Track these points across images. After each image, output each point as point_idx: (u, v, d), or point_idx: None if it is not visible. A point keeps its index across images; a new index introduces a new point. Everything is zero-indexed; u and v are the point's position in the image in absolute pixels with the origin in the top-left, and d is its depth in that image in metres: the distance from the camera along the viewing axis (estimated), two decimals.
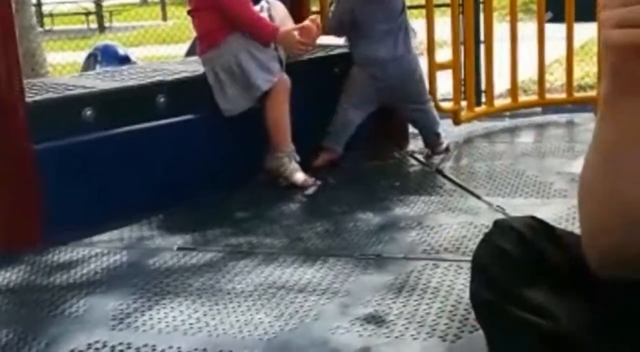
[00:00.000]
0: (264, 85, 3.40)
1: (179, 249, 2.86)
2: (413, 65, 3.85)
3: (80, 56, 12.37)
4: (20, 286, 2.61)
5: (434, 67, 4.22)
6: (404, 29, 3.82)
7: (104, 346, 2.13)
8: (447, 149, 3.99)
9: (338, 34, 3.95)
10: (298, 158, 3.53)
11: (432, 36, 4.22)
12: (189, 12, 3.52)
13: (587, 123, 4.45)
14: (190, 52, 4.31)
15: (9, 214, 2.87)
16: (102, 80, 3.45)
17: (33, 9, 10.24)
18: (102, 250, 2.87)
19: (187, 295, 2.45)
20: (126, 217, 3.10)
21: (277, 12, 3.50)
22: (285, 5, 3.65)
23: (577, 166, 3.66)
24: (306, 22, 3.51)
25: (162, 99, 3.32)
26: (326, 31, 3.82)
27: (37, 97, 3.01)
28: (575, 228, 2.93)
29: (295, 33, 3.39)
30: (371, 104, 3.81)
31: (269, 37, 3.39)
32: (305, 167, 3.57)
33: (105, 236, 3.00)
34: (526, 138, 4.46)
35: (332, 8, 3.97)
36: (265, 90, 3.41)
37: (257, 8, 3.49)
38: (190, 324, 2.24)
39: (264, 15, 3.47)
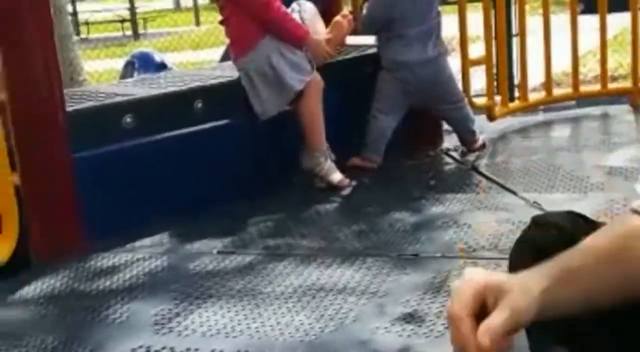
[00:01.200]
0: (297, 85, 3.44)
1: (219, 252, 2.90)
2: (442, 67, 3.83)
3: (117, 63, 12.53)
4: (64, 292, 2.67)
5: (467, 63, 4.21)
6: (437, 31, 3.81)
7: (148, 350, 2.18)
8: (483, 146, 3.98)
9: (370, 32, 3.90)
10: (334, 157, 3.55)
11: (465, 32, 4.21)
12: (220, 22, 3.57)
13: (621, 115, 4.41)
14: (224, 58, 4.36)
15: (51, 222, 2.93)
16: (141, 87, 3.51)
17: (70, 17, 10.42)
18: (143, 255, 2.92)
19: (228, 298, 2.48)
20: (166, 222, 3.14)
21: (307, 14, 3.52)
22: (319, 6, 3.68)
23: (612, 159, 3.65)
24: (337, 18, 3.55)
25: (199, 105, 3.37)
26: (358, 30, 3.81)
27: (78, 106, 3.07)
28: None
29: (324, 44, 3.45)
30: (403, 108, 3.81)
31: (299, 40, 3.43)
32: (340, 167, 3.59)
33: (146, 241, 3.05)
34: (561, 132, 4.43)
35: (365, 6, 3.94)
36: (299, 89, 3.44)
37: (288, 10, 3.52)
38: (232, 327, 2.27)
39: (295, 16, 3.50)
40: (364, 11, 3.89)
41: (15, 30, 2.82)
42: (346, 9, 4.46)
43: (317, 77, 3.49)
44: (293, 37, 3.41)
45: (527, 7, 4.60)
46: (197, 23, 20.18)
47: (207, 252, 2.91)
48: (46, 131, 2.89)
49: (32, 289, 2.69)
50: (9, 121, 2.80)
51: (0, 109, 2.72)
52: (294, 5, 3.58)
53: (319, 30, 3.53)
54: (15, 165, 2.83)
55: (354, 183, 3.56)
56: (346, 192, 3.51)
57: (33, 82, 2.85)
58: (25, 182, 2.85)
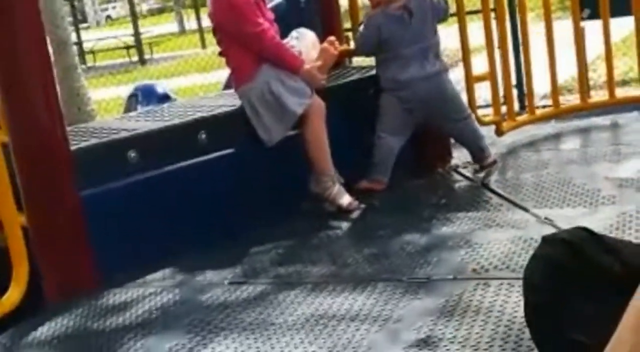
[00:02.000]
0: (297, 109, 3.45)
1: (230, 283, 2.89)
2: (443, 83, 3.82)
3: (123, 90, 12.61)
4: (78, 331, 2.66)
5: (471, 79, 4.20)
6: (435, 49, 3.82)
7: None
8: (494, 162, 3.96)
9: (364, 53, 3.98)
10: (342, 180, 3.56)
11: (466, 47, 4.19)
12: (220, 54, 3.59)
13: (631, 124, 4.38)
14: (227, 86, 4.38)
15: (62, 261, 2.93)
16: (144, 121, 3.52)
17: (74, 48, 10.48)
18: (155, 289, 2.91)
19: (241, 330, 2.47)
20: (176, 254, 3.14)
21: (305, 43, 3.54)
22: (317, 27, 3.71)
23: (623, 171, 3.62)
24: (324, 44, 3.59)
25: (203, 136, 3.37)
26: (356, 51, 3.86)
27: (81, 144, 3.08)
28: (626, 235, 2.88)
29: (317, 72, 3.49)
30: (408, 128, 3.80)
31: (293, 70, 3.46)
32: (348, 189, 3.58)
33: (157, 275, 3.05)
34: (571, 144, 4.40)
35: (360, 27, 3.97)
36: (300, 114, 3.45)
37: (287, 39, 3.54)
38: None
39: (292, 43, 3.52)
40: (357, 34, 3.93)
41: (14, 71, 2.84)
42: (346, 27, 4.50)
43: (317, 100, 3.50)
44: (287, 66, 3.45)
45: (532, 15, 4.58)
46: (203, 46, 20.29)
47: (219, 283, 2.90)
48: (51, 170, 2.89)
49: (47, 330, 2.69)
50: (13, 162, 2.81)
51: (4, 150, 2.72)
52: (293, 32, 3.60)
53: (314, 58, 3.54)
54: (22, 206, 2.83)
55: (363, 206, 3.55)
56: (356, 215, 3.50)
57: (35, 123, 2.86)
58: (33, 223, 2.86)
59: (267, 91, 3.44)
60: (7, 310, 2.70)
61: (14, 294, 2.71)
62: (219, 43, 3.56)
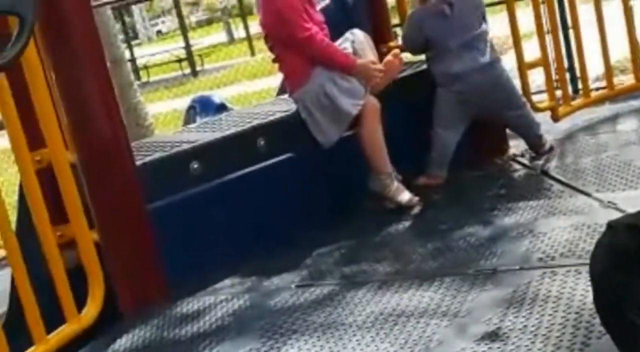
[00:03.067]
0: (352, 109, 3.48)
1: (297, 286, 2.94)
2: (498, 73, 3.80)
3: (178, 103, 12.80)
4: (154, 342, 2.74)
5: (523, 66, 4.16)
6: (484, 38, 3.79)
7: None
8: (551, 149, 3.92)
9: (412, 52, 3.95)
10: (400, 177, 3.57)
11: (517, 33, 4.14)
12: (273, 60, 3.65)
13: None
14: (281, 92, 4.44)
15: (134, 274, 3.01)
16: (204, 132, 3.60)
17: (129, 65, 10.69)
18: (225, 296, 2.98)
19: (312, 332, 2.51)
20: (243, 260, 3.20)
21: (359, 44, 3.56)
22: (365, 25, 3.73)
23: None
24: (389, 57, 3.61)
25: (262, 142, 3.44)
26: (405, 50, 3.85)
27: (146, 159, 3.17)
28: None
29: (373, 64, 3.49)
30: (463, 121, 3.79)
31: (346, 68, 3.48)
32: (407, 186, 3.59)
33: (226, 282, 3.11)
34: (628, 125, 4.33)
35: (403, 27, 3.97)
36: (355, 114, 3.48)
37: (340, 39, 3.57)
38: None
39: (347, 45, 3.55)
40: (402, 33, 3.93)
41: (76, 92, 2.93)
42: (395, 23, 4.50)
43: (372, 100, 3.52)
44: (340, 65, 3.47)
45: None
46: (252, 53, 20.47)
47: (286, 287, 2.95)
48: (119, 186, 2.98)
49: (125, 342, 2.77)
50: (82, 181, 2.91)
51: (72, 170, 2.82)
52: (348, 34, 3.63)
53: (370, 58, 3.56)
54: (93, 223, 2.92)
55: (423, 201, 3.56)
56: (416, 211, 3.52)
57: (100, 141, 2.95)
58: (104, 238, 2.94)
59: (322, 94, 3.48)
60: (85, 325, 2.79)
61: (91, 309, 2.80)
62: (271, 49, 3.62)
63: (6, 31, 2.53)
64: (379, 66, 3.53)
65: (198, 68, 20.31)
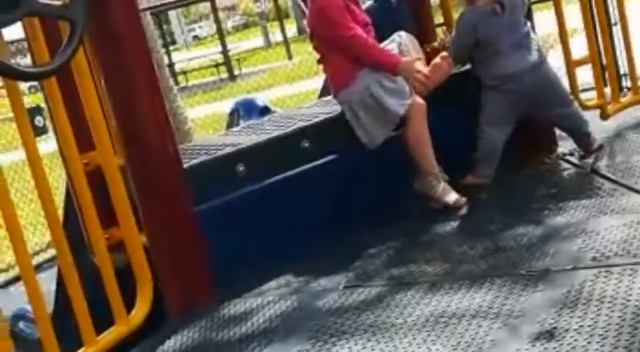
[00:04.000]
0: (399, 109, 3.46)
1: (345, 287, 2.91)
2: (547, 72, 3.74)
3: (217, 107, 12.87)
4: (203, 343, 2.74)
5: (571, 64, 4.09)
6: (530, 37, 3.74)
7: None
8: (600, 147, 3.85)
9: (462, 60, 3.78)
10: (447, 177, 3.54)
11: (564, 30, 4.08)
12: (319, 61, 3.64)
13: None
14: (322, 94, 4.43)
15: (182, 276, 3.02)
16: (247, 134, 3.61)
17: (167, 70, 10.79)
18: (272, 298, 2.97)
19: (362, 332, 2.49)
20: (289, 262, 3.19)
21: (404, 46, 3.54)
22: (409, 24, 3.69)
23: None
24: (437, 60, 3.59)
25: (306, 144, 3.43)
26: (454, 59, 3.71)
27: (193, 162, 3.18)
28: None
29: (416, 63, 3.45)
30: (511, 120, 3.72)
31: (390, 67, 3.45)
32: (454, 186, 3.56)
33: (272, 283, 3.10)
34: None
35: (451, 35, 3.85)
36: (402, 114, 3.46)
37: (387, 41, 3.56)
38: None
39: (393, 46, 3.53)
40: (450, 43, 3.77)
41: (126, 96, 2.95)
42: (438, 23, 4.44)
43: (418, 100, 3.50)
44: (384, 64, 3.45)
45: None
46: (289, 57, 20.54)
47: (334, 288, 2.93)
48: (167, 189, 3.00)
49: (173, 344, 2.77)
50: (131, 184, 2.92)
51: (122, 173, 2.84)
52: (394, 36, 3.62)
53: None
54: (141, 226, 2.94)
55: (470, 201, 3.52)
56: (464, 211, 3.48)
57: (149, 145, 2.97)
58: (152, 241, 2.95)
59: (368, 95, 3.47)
60: (134, 327, 2.80)
61: (140, 311, 2.82)
62: (316, 49, 3.62)
63: (57, 36, 2.56)
64: (425, 69, 3.49)
65: (236, 72, 20.42)
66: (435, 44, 3.99)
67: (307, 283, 3.06)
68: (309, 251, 3.24)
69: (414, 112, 3.47)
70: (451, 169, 3.60)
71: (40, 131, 13.50)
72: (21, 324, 4.70)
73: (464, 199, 3.51)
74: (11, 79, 2.46)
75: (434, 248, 3.12)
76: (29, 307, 2.89)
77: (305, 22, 3.69)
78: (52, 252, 7.43)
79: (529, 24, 3.78)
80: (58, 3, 2.52)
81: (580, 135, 3.86)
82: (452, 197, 3.50)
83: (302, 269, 3.17)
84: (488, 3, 3.66)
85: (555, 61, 4.22)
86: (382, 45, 3.55)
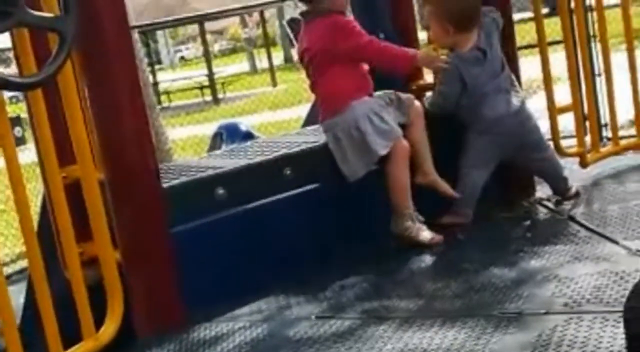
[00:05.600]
0: (380, 150, 3.47)
1: (317, 317, 2.90)
2: (528, 115, 3.81)
3: (199, 129, 12.86)
4: None
5: (554, 110, 4.14)
6: (510, 81, 3.79)
7: None
8: (577, 194, 3.89)
9: (449, 107, 3.76)
10: (422, 218, 3.55)
11: (549, 77, 4.13)
12: (311, 86, 3.66)
13: None
14: (307, 123, 4.44)
15: (153, 296, 2.99)
16: (230, 158, 3.60)
17: (151, 88, 10.79)
18: (244, 324, 2.95)
19: None
20: (263, 289, 3.17)
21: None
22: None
23: None
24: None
25: (288, 172, 3.43)
26: (439, 107, 3.75)
27: (172, 182, 3.17)
28: None
29: (433, 52, 3.73)
30: (493, 161, 3.75)
31: (411, 61, 3.59)
32: (429, 225, 3.56)
33: (245, 309, 3.08)
34: None
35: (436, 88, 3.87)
36: (382, 154, 3.47)
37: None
38: None
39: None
40: (434, 93, 3.83)
41: (109, 110, 2.95)
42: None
43: (403, 142, 3.51)
44: (404, 61, 3.57)
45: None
46: (274, 84, 20.62)
47: (306, 318, 2.91)
48: (145, 207, 2.98)
49: None
50: (109, 199, 2.90)
51: (101, 188, 2.82)
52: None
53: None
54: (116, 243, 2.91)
55: (446, 240, 3.53)
56: (441, 249, 3.48)
57: (130, 163, 2.95)
58: (126, 259, 2.93)
59: (354, 127, 3.48)
60: (102, 344, 2.76)
61: (109, 328, 2.78)
62: (309, 75, 3.63)
63: (46, 48, 2.55)
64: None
65: (220, 96, 20.45)
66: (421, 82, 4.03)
67: (279, 311, 3.05)
68: (282, 278, 3.23)
69: (397, 153, 3.48)
70: (428, 209, 3.60)
71: (19, 141, 13.40)
72: None
73: (439, 237, 3.52)
74: None
75: (408, 284, 3.12)
76: None
77: (295, 50, 3.71)
78: (22, 264, 7.34)
79: (507, 69, 3.81)
80: (49, 15, 2.52)
81: (557, 181, 3.90)
82: (427, 235, 3.51)
83: (276, 297, 3.16)
84: (471, 50, 3.71)
85: (538, 106, 4.27)
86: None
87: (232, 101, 18.49)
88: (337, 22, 3.50)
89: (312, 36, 3.56)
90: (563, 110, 4.20)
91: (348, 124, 3.49)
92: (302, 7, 3.68)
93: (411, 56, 3.59)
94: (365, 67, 3.61)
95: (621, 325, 2.29)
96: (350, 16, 3.80)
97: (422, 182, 3.61)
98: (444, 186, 3.66)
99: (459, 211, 3.72)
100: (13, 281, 6.33)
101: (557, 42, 4.95)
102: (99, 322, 2.77)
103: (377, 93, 3.62)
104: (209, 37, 28.49)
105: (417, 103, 3.63)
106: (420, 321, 2.70)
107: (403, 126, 3.57)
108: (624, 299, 2.52)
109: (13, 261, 7.65)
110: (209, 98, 20.43)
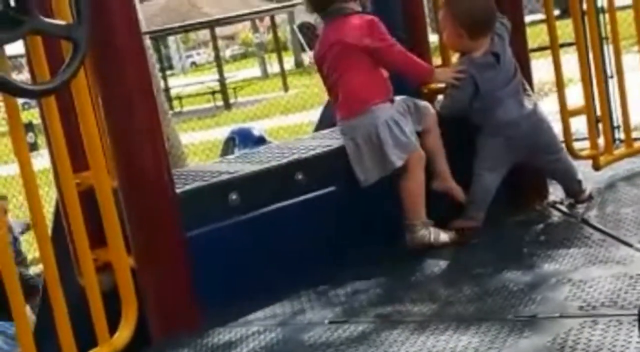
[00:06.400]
0: (397, 161, 3.47)
1: (331, 322, 2.90)
2: (541, 118, 3.79)
3: (210, 134, 12.89)
4: None
5: (566, 112, 4.12)
6: (522, 84, 3.78)
7: None
8: (590, 196, 3.88)
9: (463, 110, 3.74)
10: (432, 222, 3.54)
11: (561, 80, 4.11)
12: (329, 90, 3.65)
13: None
14: (318, 127, 4.43)
15: (168, 301, 3.00)
16: (243, 163, 3.61)
17: (163, 94, 10.83)
18: (258, 328, 2.95)
19: None
20: (277, 293, 3.18)
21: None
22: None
23: None
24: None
25: (300, 176, 3.43)
26: (450, 110, 3.74)
27: (186, 188, 3.18)
28: None
29: (449, 70, 3.75)
30: (507, 165, 3.73)
31: (427, 75, 3.68)
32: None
33: (259, 314, 3.09)
34: None
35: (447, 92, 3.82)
36: (399, 166, 3.47)
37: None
38: None
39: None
40: (446, 97, 3.80)
41: (123, 117, 2.96)
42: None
43: (419, 152, 3.51)
44: (421, 72, 3.65)
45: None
46: (285, 89, 20.64)
47: (320, 323, 2.91)
48: (159, 213, 2.99)
49: None
50: (123, 206, 2.91)
51: (114, 195, 2.83)
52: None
53: None
54: (130, 249, 2.92)
55: (461, 243, 3.53)
56: (454, 253, 3.47)
57: (143, 169, 2.96)
58: (140, 264, 2.94)
59: (374, 134, 3.47)
60: (117, 350, 2.78)
61: (124, 334, 2.79)
62: (327, 76, 3.60)
63: (59, 55, 2.57)
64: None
65: (231, 101, 20.49)
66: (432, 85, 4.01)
67: (293, 315, 3.05)
68: (296, 283, 3.23)
69: (412, 163, 3.48)
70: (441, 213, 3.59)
71: (31, 148, 13.48)
72: (0, 341, 4.65)
73: (457, 236, 3.53)
74: (11, 95, 2.46)
75: (422, 288, 3.12)
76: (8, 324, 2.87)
77: (306, 54, 3.72)
78: (34, 269, 7.37)
79: (519, 71, 3.80)
80: (62, 22, 2.53)
81: (570, 183, 3.88)
82: (445, 236, 3.51)
83: (289, 301, 3.16)
84: (485, 54, 3.71)
85: (550, 108, 4.26)
86: None
87: (243, 106, 18.53)
88: (373, 21, 3.51)
89: (338, 32, 3.52)
90: (575, 112, 4.18)
91: (368, 129, 3.47)
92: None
93: (430, 72, 3.67)
94: (385, 73, 3.60)
95: (636, 328, 2.29)
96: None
97: (438, 188, 3.62)
98: (459, 194, 3.66)
99: (471, 215, 3.71)
100: None
101: (569, 44, 4.94)
102: (113, 328, 2.78)
103: (396, 99, 3.61)
104: (220, 42, 28.55)
105: (432, 111, 3.64)
106: (434, 325, 2.69)
107: (419, 133, 3.57)
108: (638, 302, 2.52)
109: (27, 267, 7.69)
110: (220, 103, 20.48)
